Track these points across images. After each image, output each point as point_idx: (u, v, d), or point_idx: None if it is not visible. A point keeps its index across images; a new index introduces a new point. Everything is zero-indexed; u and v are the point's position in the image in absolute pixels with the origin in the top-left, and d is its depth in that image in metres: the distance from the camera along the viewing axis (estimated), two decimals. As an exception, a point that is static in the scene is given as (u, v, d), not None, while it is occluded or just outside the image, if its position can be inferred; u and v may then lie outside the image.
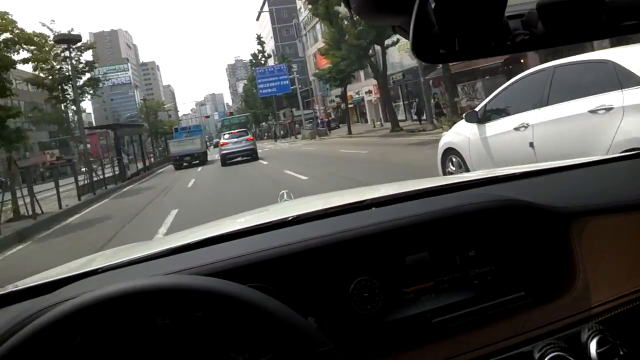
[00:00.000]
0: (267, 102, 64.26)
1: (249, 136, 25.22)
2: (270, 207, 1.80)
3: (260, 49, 59.09)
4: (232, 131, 26.28)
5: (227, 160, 23.61)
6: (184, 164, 28.54)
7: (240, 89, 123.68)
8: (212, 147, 60.30)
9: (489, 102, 5.28)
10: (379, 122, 36.80)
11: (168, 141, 34.02)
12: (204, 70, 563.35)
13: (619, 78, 3.63)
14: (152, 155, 37.60)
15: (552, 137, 4.26)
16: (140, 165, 28.51)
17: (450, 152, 5.92)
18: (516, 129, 4.66)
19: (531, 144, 4.44)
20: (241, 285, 0.71)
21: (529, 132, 4.48)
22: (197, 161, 28.73)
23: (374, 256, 0.95)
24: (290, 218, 1.09)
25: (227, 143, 24.44)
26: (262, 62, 64.29)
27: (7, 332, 0.70)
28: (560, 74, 4.30)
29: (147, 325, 0.77)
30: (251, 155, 23.79)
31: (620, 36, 0.74)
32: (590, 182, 1.29)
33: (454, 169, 5.82)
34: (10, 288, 0.97)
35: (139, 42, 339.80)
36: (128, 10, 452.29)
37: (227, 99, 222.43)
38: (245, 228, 1.07)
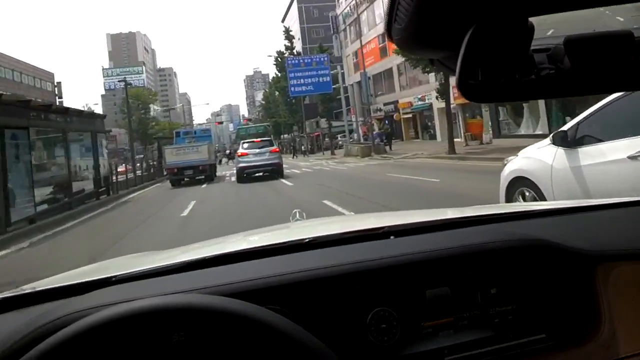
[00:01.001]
0: (293, 110, 53.82)
1: (274, 147, 20.26)
2: (284, 226, 1.79)
3: (289, 44, 48.83)
4: (254, 139, 21.62)
5: (245, 174, 19.18)
6: (185, 179, 22.31)
7: (258, 98, 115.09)
8: (224, 159, 49.60)
9: (584, 119, 3.97)
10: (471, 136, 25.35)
11: (164, 148, 24.69)
12: (222, 81, 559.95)
13: None
14: (144, 163, 28.79)
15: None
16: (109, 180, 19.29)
17: (520, 183, 4.56)
18: (632, 157, 3.44)
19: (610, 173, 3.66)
20: (263, 308, 0.72)
21: (616, 162, 3.56)
22: (202, 176, 22.51)
23: (394, 287, 0.95)
24: (307, 240, 1.07)
25: (246, 154, 19.54)
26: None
27: (26, 337, 0.72)
28: None
29: (163, 339, 0.77)
30: (275, 172, 19.24)
31: None
32: (618, 224, 1.23)
33: (520, 201, 4.55)
34: (27, 289, 0.97)
35: (158, 47, 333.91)
36: (149, 14, 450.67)
37: (244, 111, 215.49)
38: (262, 247, 1.07)
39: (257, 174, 19.40)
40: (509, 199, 4.65)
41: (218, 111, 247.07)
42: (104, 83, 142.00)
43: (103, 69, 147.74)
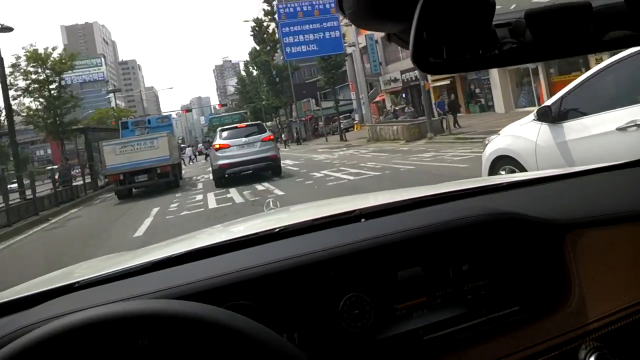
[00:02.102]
0: (278, 90, 43.93)
1: (267, 133, 14.02)
2: (256, 216, 1.78)
3: (268, 7, 38.84)
4: (237, 124, 16.01)
5: (227, 175, 13.41)
6: (136, 188, 16.11)
7: (230, 86, 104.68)
8: (187, 158, 39.25)
9: (567, 93, 3.84)
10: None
11: (102, 146, 16.45)
12: (190, 72, 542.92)
13: None
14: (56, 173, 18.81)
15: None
16: None
17: (503, 162, 4.36)
18: (620, 129, 3.27)
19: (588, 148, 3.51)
20: (213, 306, 0.69)
21: (596, 136, 3.43)
22: (163, 180, 15.74)
23: (365, 272, 0.93)
24: (277, 229, 1.06)
25: (226, 146, 13.44)
26: (270, 31, 44.19)
27: None
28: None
29: (126, 346, 0.76)
30: (270, 168, 13.78)
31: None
32: (585, 192, 1.25)
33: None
34: None
35: (119, 40, 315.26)
36: (107, 4, 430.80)
37: (215, 102, 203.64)
38: (230, 240, 1.04)
39: (245, 172, 13.72)
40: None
41: (188, 104, 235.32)
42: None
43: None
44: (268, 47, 44.07)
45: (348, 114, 42.06)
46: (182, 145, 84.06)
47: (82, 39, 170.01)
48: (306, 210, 1.54)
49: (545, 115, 3.88)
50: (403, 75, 31.28)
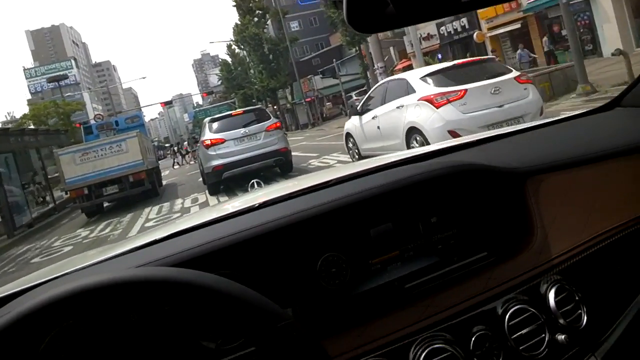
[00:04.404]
0: (273, 69, 36.38)
1: (272, 121, 10.85)
2: (240, 197, 1.81)
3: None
4: (232, 112, 11.92)
5: (224, 178, 10.30)
6: (107, 202, 14.04)
7: (213, 80, 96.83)
8: (175, 160, 31.62)
9: (364, 101, 8.78)
10: None
11: (57, 155, 13.05)
12: (169, 70, 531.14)
13: (407, 88, 7.13)
14: None
15: (384, 122, 7.65)
16: None
17: (349, 136, 9.36)
18: (373, 118, 8.06)
19: (378, 127, 7.87)
20: (195, 270, 0.69)
21: (376, 120, 7.90)
22: (138, 190, 13.05)
23: (339, 232, 0.97)
24: (257, 205, 1.07)
25: (220, 141, 10.22)
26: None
27: None
28: (390, 85, 7.97)
29: (117, 321, 0.78)
30: (280, 164, 10.80)
31: None
32: (542, 142, 1.32)
33: (351, 146, 9.36)
34: None
35: (90, 41, 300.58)
36: (76, 6, 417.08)
37: (197, 99, 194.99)
38: (213, 218, 1.05)
39: (246, 171, 10.01)
40: (347, 144, 9.60)
41: (170, 103, 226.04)
42: (29, 86, 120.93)
43: (25, 69, 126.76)
44: (256, 18, 36.52)
45: (361, 90, 34.79)
46: (166, 145, 76.69)
47: (50, 43, 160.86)
48: (288, 185, 1.55)
49: (357, 112, 8.75)
50: (442, 28, 23.95)
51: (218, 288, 0.65)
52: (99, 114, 33.49)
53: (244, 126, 10.41)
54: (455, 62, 7.76)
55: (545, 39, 17.75)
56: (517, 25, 19.67)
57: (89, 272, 0.89)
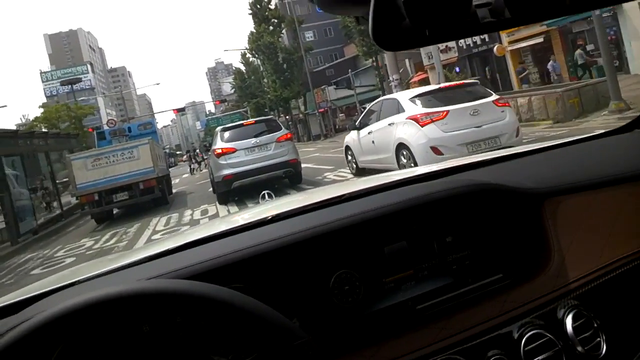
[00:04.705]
0: (286, 79, 36.12)
1: (282, 132, 10.87)
2: (252, 208, 1.79)
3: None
4: (243, 122, 12.14)
5: (234, 188, 10.16)
6: (116, 209, 13.82)
7: (226, 88, 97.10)
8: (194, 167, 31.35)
9: (362, 117, 9.72)
10: None
11: (70, 160, 12.99)
12: (183, 78, 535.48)
13: (398, 107, 7.94)
14: None
15: (378, 137, 8.45)
16: None
17: (348, 149, 10.30)
18: (369, 133, 8.88)
19: (373, 142, 8.69)
20: (211, 284, 0.69)
21: (372, 135, 8.74)
22: (147, 197, 12.89)
23: (353, 249, 0.96)
24: (269, 217, 1.07)
25: (231, 150, 10.22)
26: (272, 6, 36.54)
27: None
28: (384, 103, 8.82)
29: (128, 333, 0.78)
30: (290, 175, 10.68)
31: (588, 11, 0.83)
32: (561, 163, 1.30)
33: (350, 158, 10.32)
34: None
35: (106, 46, 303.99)
36: (93, 12, 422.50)
37: (210, 107, 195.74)
38: (224, 230, 1.05)
39: (256, 181, 10.04)
40: (346, 157, 10.55)
41: (183, 110, 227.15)
42: (44, 89, 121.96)
43: (41, 72, 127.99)
44: (271, 27, 36.33)
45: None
46: (177, 153, 76.81)
47: (67, 47, 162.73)
48: (299, 198, 1.49)
49: (355, 127, 9.66)
50: (461, 40, 23.48)
51: (232, 302, 0.64)
52: (112, 119, 33.13)
53: (255, 136, 10.47)
54: (441, 85, 8.76)
55: (579, 51, 17.18)
56: (540, 40, 19.15)
57: (100, 282, 0.86)
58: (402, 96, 8.25)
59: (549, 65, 18.05)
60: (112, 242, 9.64)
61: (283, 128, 11.28)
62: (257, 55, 39.38)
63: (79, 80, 63.18)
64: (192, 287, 0.65)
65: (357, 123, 9.64)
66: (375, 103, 9.31)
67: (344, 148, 10.54)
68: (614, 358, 0.90)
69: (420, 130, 7.20)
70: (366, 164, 9.25)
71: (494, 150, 7.09)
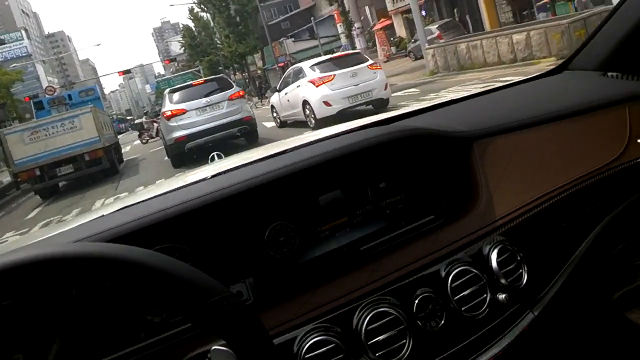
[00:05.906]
0: (241, 33, 33.88)
1: (235, 90, 10.76)
2: (198, 169, 1.78)
3: None
4: (192, 82, 11.77)
5: (187, 150, 10.09)
6: (62, 181, 12.82)
7: (175, 48, 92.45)
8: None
9: (281, 82, 12.07)
10: None
11: (5, 135, 11.91)
12: (129, 40, 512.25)
13: (302, 73, 10.58)
14: None
15: (291, 97, 10.97)
16: None
17: (273, 107, 12.82)
18: (285, 94, 11.37)
19: (288, 100, 11.19)
20: (120, 245, 0.67)
21: (287, 96, 11.21)
22: (95, 169, 12.35)
23: (288, 200, 0.97)
24: (209, 176, 1.05)
25: (182, 111, 10.09)
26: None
27: None
28: (294, 70, 11.34)
29: (55, 298, 0.77)
30: (244, 132, 10.65)
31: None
32: (490, 107, 1.32)
33: (275, 115, 12.70)
34: None
35: (42, 11, 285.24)
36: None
37: (159, 68, 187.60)
38: (162, 192, 1.02)
39: (210, 143, 9.76)
40: (272, 114, 13.08)
41: (129, 72, 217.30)
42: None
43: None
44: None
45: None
46: (127, 118, 72.39)
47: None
48: (247, 156, 1.52)
49: (276, 89, 12.30)
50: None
51: (147, 263, 0.63)
52: (51, 86, 29.89)
53: (206, 96, 10.36)
54: (332, 55, 12.40)
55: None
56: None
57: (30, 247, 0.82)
58: (305, 65, 10.69)
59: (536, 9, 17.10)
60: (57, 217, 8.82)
61: (235, 86, 11.18)
62: (206, 9, 36.79)
63: (2, 42, 57.69)
64: (102, 249, 0.63)
65: (277, 87, 12.23)
66: (289, 70, 11.88)
67: (269, 107, 13.40)
68: (533, 286, 0.94)
69: (316, 89, 9.84)
70: (286, 118, 11.82)
71: (369, 101, 9.88)
